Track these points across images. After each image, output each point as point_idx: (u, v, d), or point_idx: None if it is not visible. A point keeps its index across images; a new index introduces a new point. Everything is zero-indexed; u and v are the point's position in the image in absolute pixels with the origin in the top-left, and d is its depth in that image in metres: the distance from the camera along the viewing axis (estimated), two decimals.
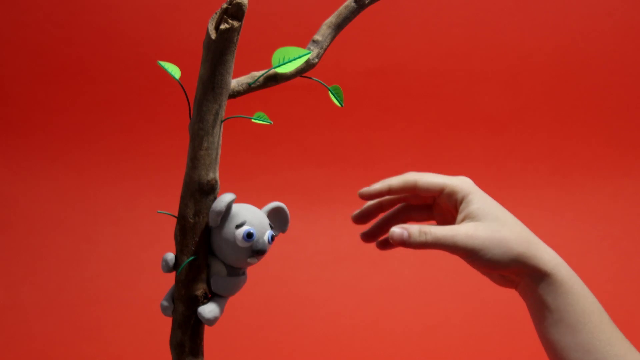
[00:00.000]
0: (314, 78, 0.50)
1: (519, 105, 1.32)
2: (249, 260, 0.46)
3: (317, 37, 0.49)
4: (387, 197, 0.56)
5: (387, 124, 1.32)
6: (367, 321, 1.13)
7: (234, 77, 0.46)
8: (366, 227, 0.58)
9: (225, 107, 0.45)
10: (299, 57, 0.46)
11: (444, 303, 1.17)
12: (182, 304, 0.46)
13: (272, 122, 0.46)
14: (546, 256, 0.51)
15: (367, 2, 0.49)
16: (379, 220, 0.58)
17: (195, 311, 0.46)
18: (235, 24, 0.43)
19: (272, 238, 0.47)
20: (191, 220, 0.45)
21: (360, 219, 0.58)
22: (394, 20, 1.29)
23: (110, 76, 1.30)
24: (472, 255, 0.48)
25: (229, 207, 0.45)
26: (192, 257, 0.46)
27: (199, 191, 0.45)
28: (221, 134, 0.46)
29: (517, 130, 1.33)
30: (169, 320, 0.48)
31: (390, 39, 1.30)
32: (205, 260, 0.47)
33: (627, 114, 1.33)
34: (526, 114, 1.33)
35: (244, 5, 0.42)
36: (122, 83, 1.30)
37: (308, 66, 0.48)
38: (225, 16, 0.42)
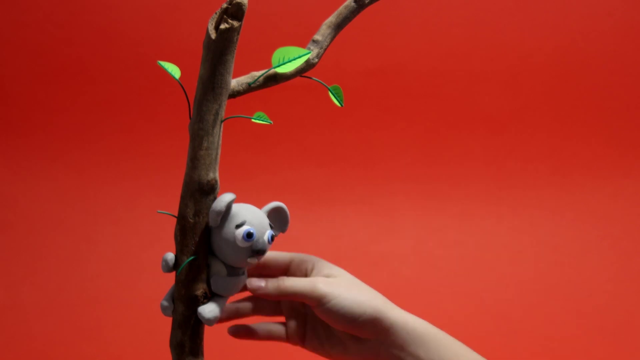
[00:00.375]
0: (314, 78, 0.50)
1: (519, 105, 1.32)
2: (248, 260, 0.46)
3: (317, 37, 0.49)
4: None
5: (387, 124, 1.32)
6: None
7: (234, 77, 0.46)
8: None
9: (225, 107, 0.45)
10: (299, 57, 0.46)
11: (444, 303, 1.17)
12: (182, 304, 0.46)
13: (272, 122, 0.46)
14: (404, 317, 0.50)
15: (367, 2, 0.49)
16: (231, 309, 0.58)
17: (195, 311, 0.46)
18: (235, 24, 0.43)
19: (272, 238, 0.47)
20: (191, 220, 0.45)
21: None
22: (394, 20, 1.29)
23: (110, 76, 1.30)
24: (329, 300, 0.48)
25: (228, 207, 0.45)
26: (192, 257, 0.46)
27: (199, 191, 0.45)
28: (221, 134, 0.46)
29: (517, 130, 1.33)
30: (169, 320, 0.48)
31: (390, 39, 1.30)
32: (205, 260, 0.47)
33: (627, 114, 1.33)
34: (526, 114, 1.33)
35: (244, 5, 0.43)
36: (122, 83, 1.30)
37: (308, 66, 0.48)
38: (225, 16, 0.43)
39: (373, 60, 1.30)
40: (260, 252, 0.46)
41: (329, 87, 0.49)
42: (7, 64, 1.29)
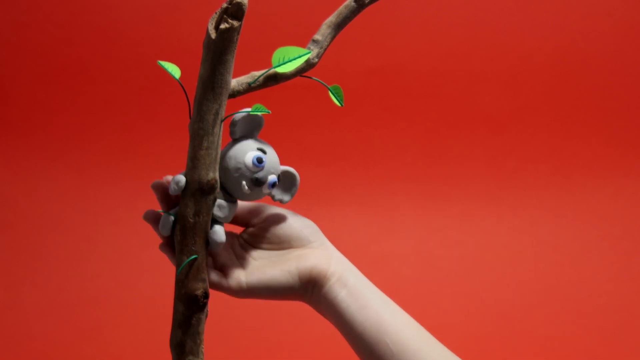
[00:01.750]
0: (314, 78, 0.50)
1: (519, 105, 1.32)
2: (243, 184, 0.46)
3: (317, 36, 0.49)
4: None
5: (387, 123, 1.32)
6: None
7: (234, 77, 0.46)
8: None
9: (225, 107, 0.45)
10: (299, 57, 0.46)
11: (444, 303, 1.17)
12: (182, 304, 0.46)
13: (270, 111, 0.46)
14: (337, 253, 0.52)
15: (367, 1, 0.49)
16: None
17: (195, 311, 0.46)
18: (235, 23, 0.43)
19: (274, 185, 0.48)
20: (191, 220, 0.45)
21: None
22: (394, 20, 1.29)
23: (110, 76, 1.30)
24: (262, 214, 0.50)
25: (257, 122, 0.48)
26: (192, 257, 0.46)
27: (199, 191, 0.45)
28: (221, 133, 0.46)
29: (517, 130, 1.33)
30: (169, 320, 0.48)
31: (390, 39, 1.30)
32: (205, 260, 0.47)
33: (627, 114, 1.33)
34: (526, 114, 1.33)
35: (244, 5, 0.42)
36: (122, 83, 1.30)
37: (308, 66, 0.48)
38: (225, 16, 0.42)
39: (373, 59, 1.30)
40: (259, 182, 0.46)
41: (329, 87, 0.49)
42: (7, 64, 1.29)
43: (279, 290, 0.49)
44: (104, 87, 1.30)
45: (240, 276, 0.49)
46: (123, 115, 1.31)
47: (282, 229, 0.51)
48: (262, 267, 0.50)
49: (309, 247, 0.51)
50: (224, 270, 0.50)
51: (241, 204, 0.51)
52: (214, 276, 0.49)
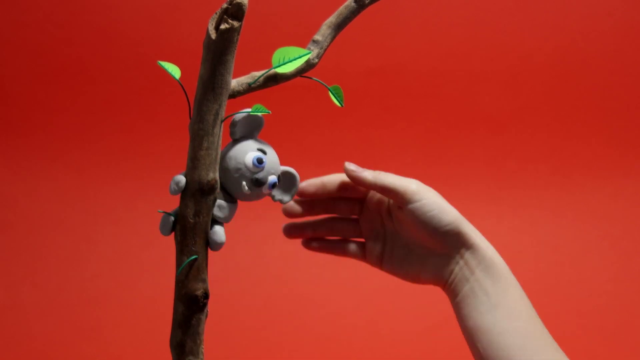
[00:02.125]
0: (314, 78, 0.50)
1: (519, 105, 1.32)
2: (243, 184, 0.46)
3: (317, 37, 0.49)
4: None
5: (387, 123, 1.31)
6: (366, 321, 1.13)
7: (234, 77, 0.46)
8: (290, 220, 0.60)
9: (225, 107, 0.45)
10: (299, 57, 0.46)
11: (444, 303, 1.17)
12: (182, 304, 0.46)
13: (270, 111, 0.46)
14: (484, 242, 0.51)
15: (367, 2, 0.49)
16: (306, 222, 0.59)
17: (195, 311, 0.46)
18: (235, 24, 0.43)
19: (274, 186, 0.48)
20: (191, 220, 0.45)
21: (292, 215, 0.59)
22: (394, 20, 1.29)
23: (110, 76, 1.30)
24: (419, 199, 0.50)
25: (257, 122, 0.47)
26: (192, 257, 0.46)
27: (199, 191, 0.45)
28: (221, 134, 0.46)
29: (517, 130, 1.32)
30: (169, 320, 0.48)
31: (390, 39, 1.30)
32: (206, 260, 0.47)
33: (627, 114, 1.33)
34: (526, 114, 1.33)
35: (244, 5, 0.42)
36: (122, 83, 1.30)
37: (308, 66, 0.48)
38: (225, 16, 0.42)
39: (373, 60, 1.30)
40: (259, 183, 0.46)
41: (329, 87, 0.49)
42: (7, 64, 1.29)
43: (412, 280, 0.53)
44: (104, 87, 1.30)
45: (377, 256, 0.54)
46: (123, 115, 1.31)
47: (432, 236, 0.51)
48: (402, 258, 0.54)
49: (450, 257, 0.51)
50: (367, 241, 0.55)
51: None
52: (353, 247, 0.54)
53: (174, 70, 0.46)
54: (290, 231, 0.60)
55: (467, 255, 0.51)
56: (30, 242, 1.23)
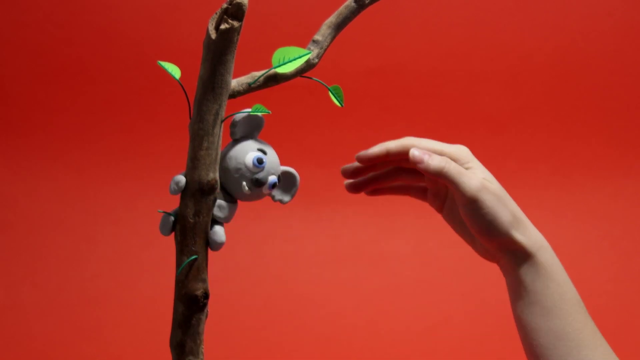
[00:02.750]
0: (314, 78, 0.50)
1: (519, 105, 1.32)
2: (243, 184, 0.46)
3: (317, 37, 0.49)
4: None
5: (387, 123, 1.31)
6: (366, 321, 1.13)
7: (234, 77, 0.46)
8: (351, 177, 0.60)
9: (225, 107, 0.45)
10: (299, 57, 0.46)
11: (444, 303, 1.17)
12: (182, 304, 0.46)
13: (270, 111, 0.46)
14: (532, 237, 0.51)
15: (367, 2, 0.49)
16: (369, 176, 0.58)
17: (195, 311, 0.46)
18: (235, 24, 0.43)
19: (274, 186, 0.48)
20: (191, 220, 0.45)
21: (352, 174, 0.58)
22: (394, 20, 1.29)
23: (110, 76, 1.30)
24: (477, 207, 0.49)
25: (257, 122, 0.47)
26: (192, 257, 0.46)
27: (199, 191, 0.45)
28: (221, 134, 0.46)
29: (517, 130, 1.32)
30: (169, 320, 0.48)
31: (390, 39, 1.30)
32: (206, 260, 0.47)
33: (627, 114, 1.33)
34: (526, 114, 1.33)
35: (244, 5, 0.42)
36: (122, 83, 1.30)
37: (308, 66, 0.48)
38: (225, 16, 0.42)
39: (373, 59, 1.30)
40: (259, 183, 0.46)
41: (329, 87, 0.49)
42: (7, 64, 1.29)
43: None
44: (104, 87, 1.30)
45: (437, 208, 0.56)
46: (123, 115, 1.31)
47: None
48: (458, 224, 0.54)
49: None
50: (429, 193, 0.56)
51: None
52: (417, 192, 0.56)
53: (174, 70, 0.46)
54: (355, 187, 0.59)
55: (510, 256, 0.51)
56: (30, 242, 1.23)
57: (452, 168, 0.49)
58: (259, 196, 0.48)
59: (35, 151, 1.31)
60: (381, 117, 1.31)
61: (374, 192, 0.59)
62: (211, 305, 0.48)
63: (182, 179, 0.45)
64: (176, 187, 0.45)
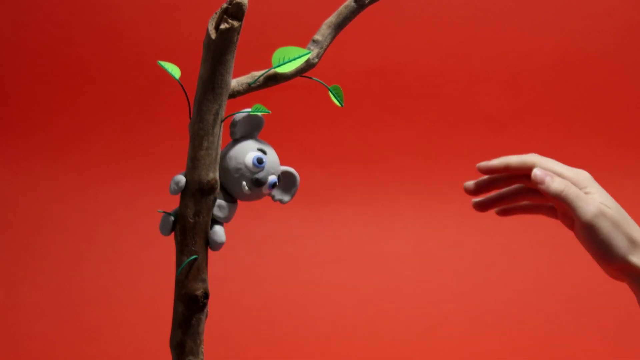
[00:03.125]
0: (314, 78, 0.50)
1: (519, 105, 1.32)
2: (243, 184, 0.46)
3: (317, 37, 0.49)
4: (501, 175, 0.57)
5: (387, 123, 1.31)
6: (366, 321, 1.13)
7: (234, 77, 0.46)
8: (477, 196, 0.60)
9: (225, 107, 0.45)
10: (299, 57, 0.46)
11: (444, 303, 1.17)
12: (182, 304, 0.46)
13: (270, 111, 0.46)
14: None
15: (367, 2, 0.49)
16: (493, 195, 0.59)
17: (195, 311, 0.46)
18: (235, 23, 0.43)
19: (274, 186, 0.48)
20: (191, 220, 0.45)
21: (474, 191, 0.59)
22: (394, 20, 1.29)
23: (110, 76, 1.30)
24: (589, 229, 0.50)
25: (257, 122, 0.47)
26: (192, 257, 0.46)
27: (199, 191, 0.45)
28: (221, 134, 0.46)
29: (517, 130, 1.32)
30: (169, 320, 0.48)
31: (390, 39, 1.30)
32: (205, 260, 0.47)
33: (627, 114, 1.33)
34: (526, 114, 1.32)
35: (244, 5, 0.42)
36: (122, 83, 1.30)
37: (308, 66, 0.48)
38: (225, 16, 0.42)
39: (373, 59, 1.30)
40: (259, 183, 0.46)
41: (329, 87, 0.49)
42: (7, 64, 1.29)
43: None
44: (104, 87, 1.30)
45: (569, 226, 0.55)
46: (123, 115, 1.31)
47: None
48: (585, 241, 0.52)
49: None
50: (558, 211, 0.56)
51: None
52: (547, 210, 0.57)
53: (174, 70, 0.46)
54: (481, 206, 0.60)
55: (632, 277, 0.51)
56: (30, 242, 1.23)
57: (571, 192, 0.50)
58: (259, 196, 0.48)
59: (35, 151, 1.31)
60: (381, 117, 1.31)
61: (504, 212, 0.59)
62: (211, 305, 0.48)
63: (182, 179, 0.45)
64: (176, 187, 0.45)
